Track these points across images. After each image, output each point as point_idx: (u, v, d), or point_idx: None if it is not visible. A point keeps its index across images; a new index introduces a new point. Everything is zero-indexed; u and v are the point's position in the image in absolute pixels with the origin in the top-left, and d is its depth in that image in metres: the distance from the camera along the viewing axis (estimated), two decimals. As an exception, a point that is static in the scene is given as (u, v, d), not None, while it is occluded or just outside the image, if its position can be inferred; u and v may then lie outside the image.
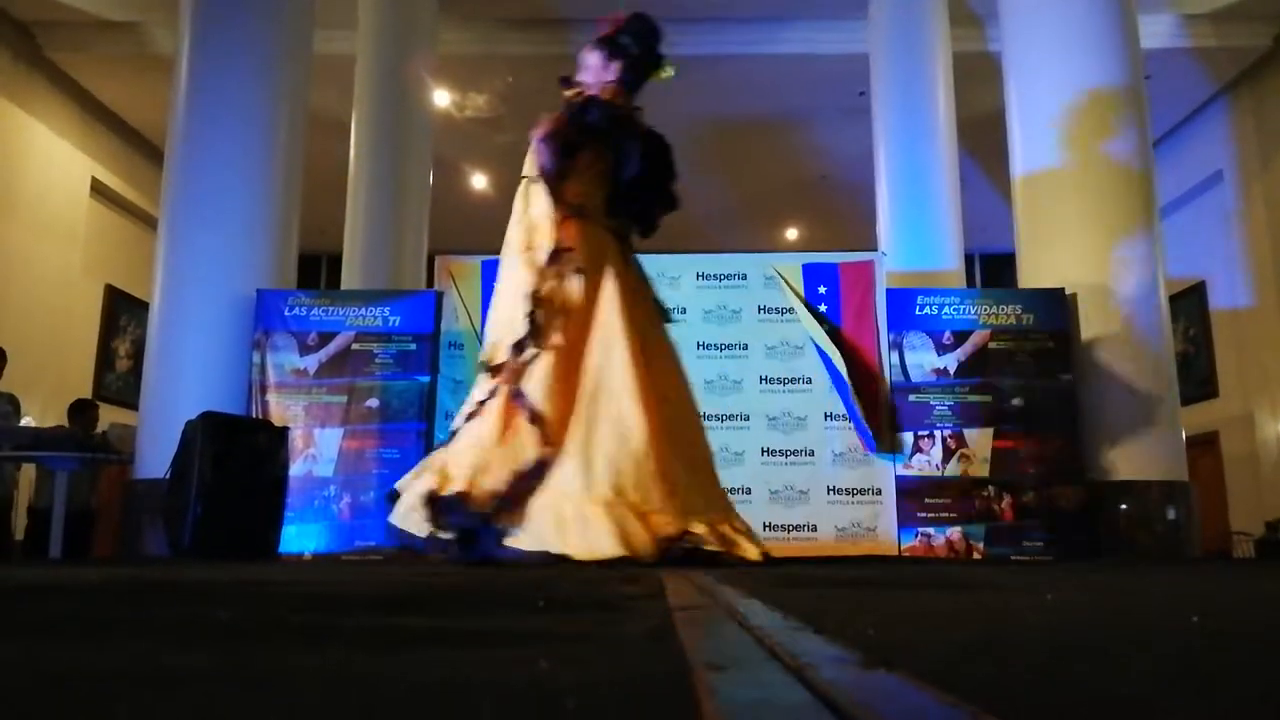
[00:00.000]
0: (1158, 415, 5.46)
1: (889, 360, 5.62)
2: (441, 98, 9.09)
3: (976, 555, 5.35)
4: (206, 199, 5.78)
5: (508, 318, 3.10)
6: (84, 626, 1.19)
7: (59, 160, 9.42)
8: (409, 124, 7.84)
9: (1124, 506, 5.32)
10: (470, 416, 3.08)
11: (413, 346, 5.70)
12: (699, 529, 2.86)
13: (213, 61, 5.94)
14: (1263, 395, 9.08)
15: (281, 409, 5.59)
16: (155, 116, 8.39)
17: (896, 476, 5.46)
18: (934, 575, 2.72)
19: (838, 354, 5.55)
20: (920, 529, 5.41)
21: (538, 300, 3.03)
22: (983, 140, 9.01)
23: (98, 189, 10.04)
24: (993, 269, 12.66)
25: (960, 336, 5.65)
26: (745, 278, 5.78)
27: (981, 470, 5.47)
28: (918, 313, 5.71)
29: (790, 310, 5.70)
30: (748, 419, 5.57)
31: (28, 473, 6.61)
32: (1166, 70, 8.54)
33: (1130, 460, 5.40)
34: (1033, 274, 5.85)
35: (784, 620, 1.12)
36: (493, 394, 3.03)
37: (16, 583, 2.20)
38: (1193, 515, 5.44)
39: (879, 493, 5.46)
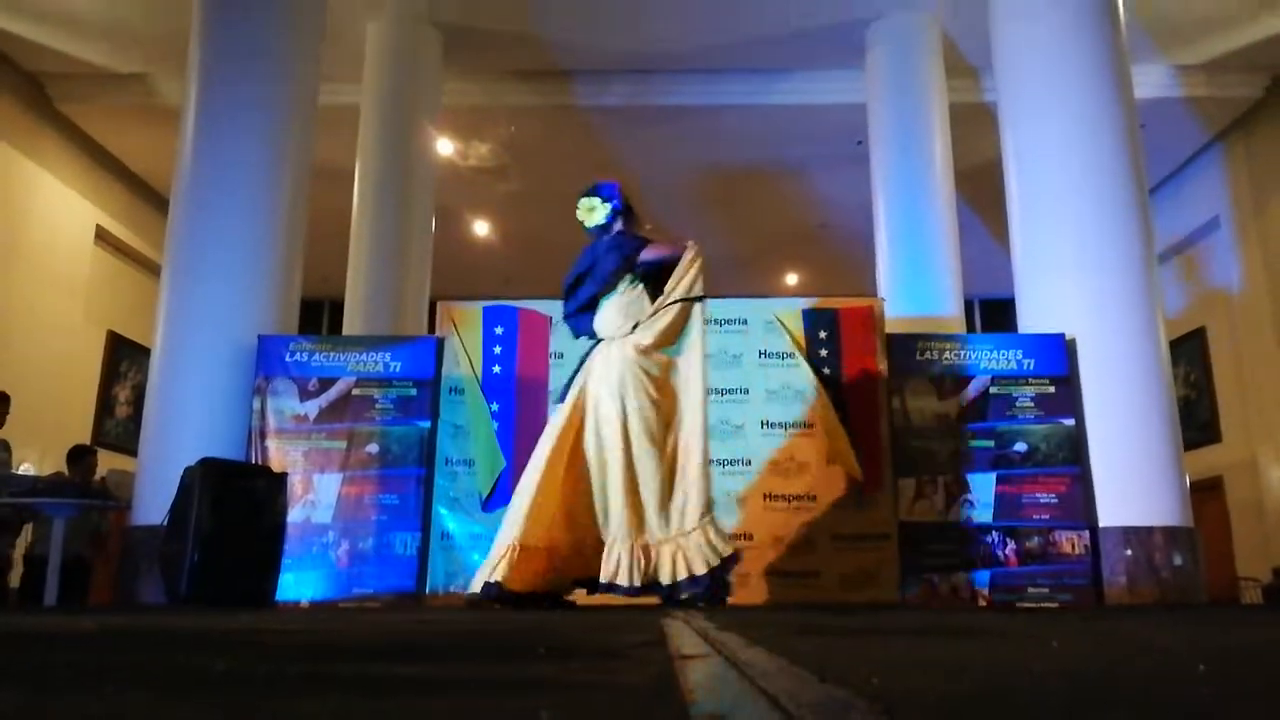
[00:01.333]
0: (1161, 460, 5.44)
1: (890, 405, 5.62)
2: (445, 147, 9.20)
3: (981, 602, 5.29)
4: (210, 246, 5.83)
5: None
6: (80, 675, 1.18)
7: (65, 208, 9.51)
8: (412, 173, 7.93)
9: (1129, 553, 5.27)
10: None
11: (413, 392, 5.71)
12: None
13: (219, 112, 6.04)
14: (1266, 440, 9.05)
15: (281, 455, 5.57)
16: (161, 165, 8.49)
17: (900, 522, 5.43)
18: (938, 623, 2.70)
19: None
20: (924, 575, 5.36)
21: None
22: (980, 188, 9.10)
23: (102, 236, 10.13)
24: (992, 314, 12.71)
25: (961, 381, 5.66)
26: (746, 322, 5.79)
27: (985, 516, 5.44)
28: (918, 358, 5.72)
29: (792, 355, 5.72)
30: (749, 463, 5.55)
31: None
32: (1160, 119, 8.66)
33: (1134, 506, 5.36)
34: (1032, 319, 5.87)
35: (786, 668, 1.11)
36: None
37: (13, 631, 2.18)
38: (1199, 561, 5.40)
39: (883, 538, 5.42)
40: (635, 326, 4.12)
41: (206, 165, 5.96)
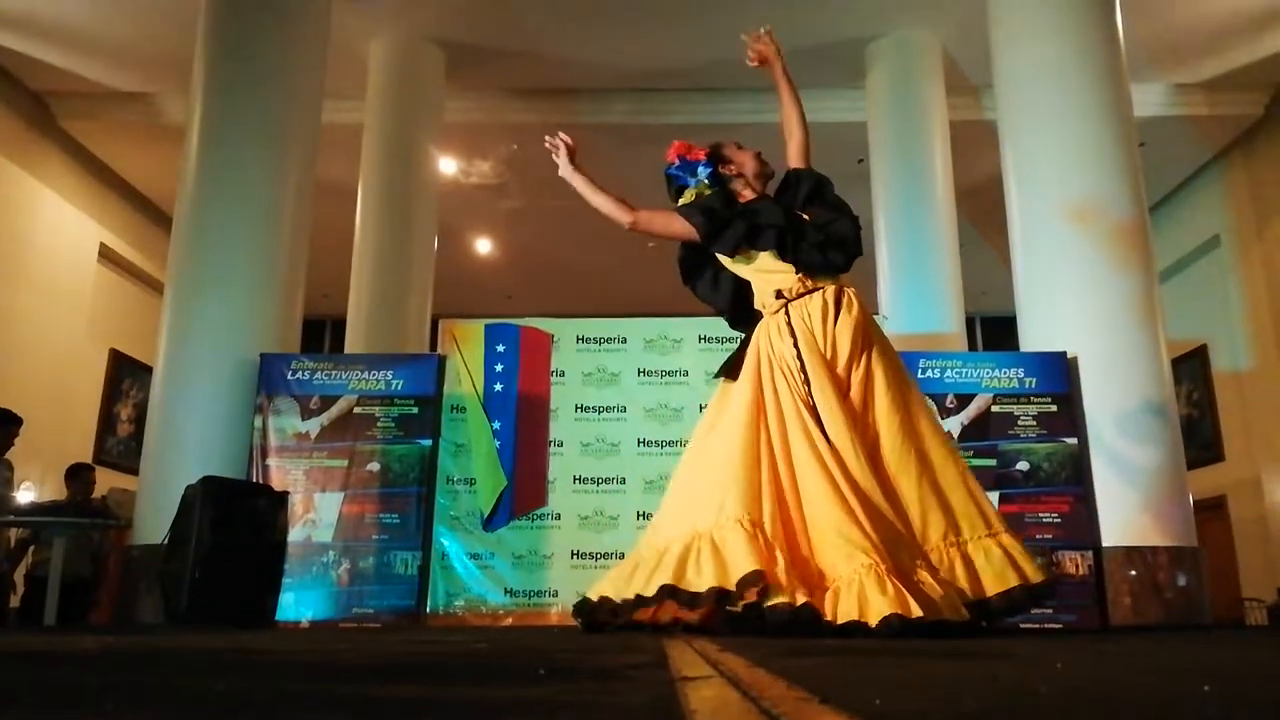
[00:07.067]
0: (1164, 479, 5.42)
1: (892, 424, 5.60)
2: (447, 165, 9.24)
3: (984, 622, 5.25)
4: (213, 264, 5.86)
5: None
6: (80, 696, 1.18)
7: (68, 226, 9.54)
8: (415, 191, 7.96)
9: (1133, 573, 5.25)
10: None
11: (415, 410, 5.70)
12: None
13: (222, 131, 6.07)
14: (1269, 458, 9.03)
15: (282, 473, 5.57)
16: (165, 183, 8.52)
17: (901, 541, 5.40)
18: (941, 643, 2.68)
19: None
20: (927, 595, 5.33)
21: None
22: (981, 206, 9.13)
23: (106, 254, 10.16)
24: (993, 332, 12.70)
25: (963, 400, 5.65)
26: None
27: (987, 535, 5.40)
28: (920, 376, 5.71)
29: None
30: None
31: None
32: (1160, 137, 8.69)
33: (1138, 525, 5.34)
34: (1033, 337, 5.87)
35: (789, 689, 1.10)
36: None
37: (13, 650, 2.18)
38: (1203, 581, 5.37)
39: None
40: None
41: (210, 183, 5.99)
